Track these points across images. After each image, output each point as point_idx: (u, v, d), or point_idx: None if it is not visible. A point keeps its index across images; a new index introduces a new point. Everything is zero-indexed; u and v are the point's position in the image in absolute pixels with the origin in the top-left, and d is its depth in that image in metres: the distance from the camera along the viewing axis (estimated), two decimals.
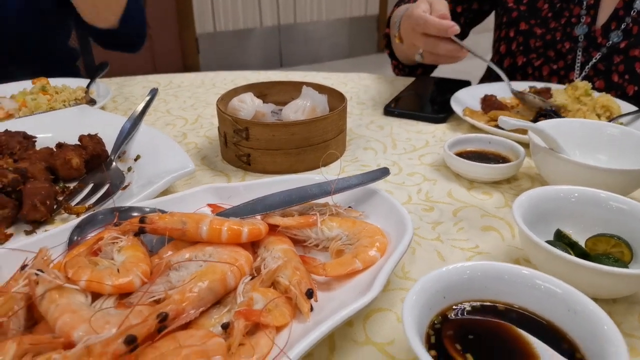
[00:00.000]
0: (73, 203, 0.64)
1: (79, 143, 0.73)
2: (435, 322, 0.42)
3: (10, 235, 0.59)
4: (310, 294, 0.45)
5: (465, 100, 0.97)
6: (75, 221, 0.52)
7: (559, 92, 0.92)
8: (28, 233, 0.59)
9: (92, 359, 0.34)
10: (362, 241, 0.52)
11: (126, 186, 0.68)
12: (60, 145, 0.71)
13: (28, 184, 0.61)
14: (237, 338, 0.39)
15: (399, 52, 1.17)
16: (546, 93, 0.90)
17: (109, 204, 0.60)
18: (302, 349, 0.37)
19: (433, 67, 1.27)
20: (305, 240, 0.55)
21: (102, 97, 1.01)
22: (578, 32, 0.97)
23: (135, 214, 0.54)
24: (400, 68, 1.26)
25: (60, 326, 0.38)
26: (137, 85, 1.20)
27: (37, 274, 0.42)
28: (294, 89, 0.90)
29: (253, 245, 0.53)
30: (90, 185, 0.69)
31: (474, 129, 0.90)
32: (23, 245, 0.49)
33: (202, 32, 4.56)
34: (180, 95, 1.14)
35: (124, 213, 0.54)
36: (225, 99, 0.83)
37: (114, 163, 0.73)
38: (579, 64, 0.97)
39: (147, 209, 0.55)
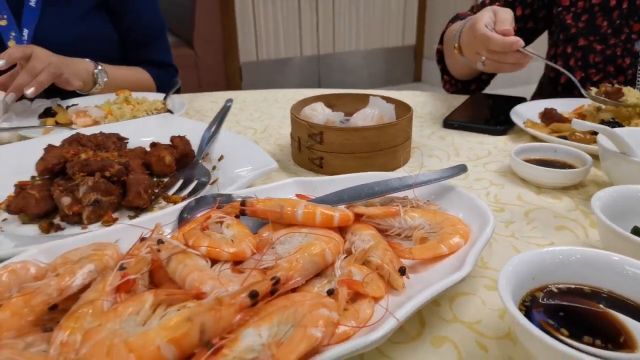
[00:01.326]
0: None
1: (170, 143, 0.79)
2: (525, 300, 0.44)
3: (116, 219, 0.65)
4: (403, 271, 0.49)
5: (524, 115, 1.00)
6: (182, 204, 0.58)
7: (631, 91, 0.92)
8: (131, 218, 0.65)
9: (223, 307, 0.39)
10: (445, 229, 0.55)
11: (214, 181, 0.74)
12: (154, 145, 0.78)
13: (130, 175, 0.68)
14: (343, 302, 0.43)
15: (454, 66, 1.21)
16: (617, 94, 0.91)
17: (205, 193, 0.66)
18: (407, 310, 0.41)
19: (486, 82, 1.30)
20: (387, 229, 0.59)
21: (177, 109, 1.09)
22: (638, 48, 0.99)
23: (234, 199, 0.59)
24: (452, 84, 1.30)
25: (191, 281, 0.42)
26: (205, 100, 1.28)
27: (159, 242, 0.48)
28: (359, 100, 0.95)
29: (340, 231, 0.57)
30: (181, 181, 0.75)
31: (535, 140, 0.92)
32: (139, 222, 0.54)
33: (246, 61, 4.75)
34: (246, 109, 1.21)
35: (224, 199, 0.59)
36: (297, 107, 0.89)
37: (200, 162, 0.79)
38: (639, 79, 0.99)
39: (244, 196, 0.60)
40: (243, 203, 0.56)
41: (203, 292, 0.41)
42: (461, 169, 0.63)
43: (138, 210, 0.67)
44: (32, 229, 0.63)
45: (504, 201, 0.72)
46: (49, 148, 0.74)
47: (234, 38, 4.56)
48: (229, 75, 4.69)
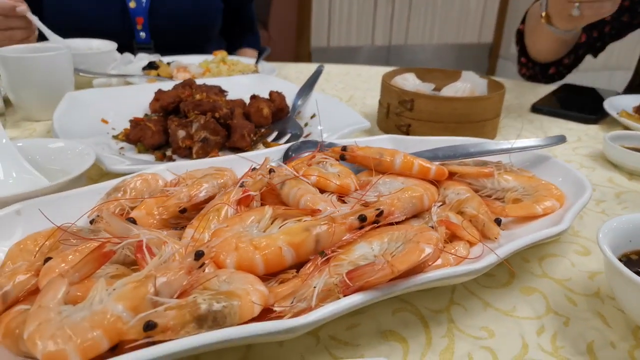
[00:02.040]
0: None
1: (267, 98, 0.85)
2: (621, 259, 0.45)
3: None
4: (498, 222, 0.50)
5: (617, 106, 0.97)
6: (287, 144, 0.62)
7: None
8: None
9: (335, 224, 0.43)
10: (539, 192, 0.56)
11: (307, 135, 0.78)
12: (254, 97, 0.83)
13: (235, 120, 0.73)
14: (442, 237, 0.45)
15: (536, 43, 1.15)
16: None
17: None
18: (508, 249, 0.42)
19: (567, 68, 1.23)
20: (479, 189, 0.60)
21: (267, 73, 1.14)
22: None
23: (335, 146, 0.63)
24: (530, 67, 1.24)
25: (305, 202, 0.46)
26: (291, 70, 1.34)
27: (271, 172, 0.52)
28: (449, 76, 0.96)
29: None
30: (276, 132, 0.80)
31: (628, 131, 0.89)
32: (250, 155, 0.59)
33: (316, 46, 4.80)
34: (330, 80, 1.25)
35: (326, 144, 0.63)
36: (389, 75, 0.91)
37: (293, 117, 0.84)
38: None
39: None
40: (344, 148, 0.59)
41: (317, 210, 0.44)
42: (560, 138, 0.63)
43: (240, 151, 0.72)
44: (147, 157, 0.70)
45: (595, 182, 0.71)
46: (161, 92, 0.81)
47: (307, 22, 4.62)
48: (299, 59, 4.76)
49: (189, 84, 0.80)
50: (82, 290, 0.36)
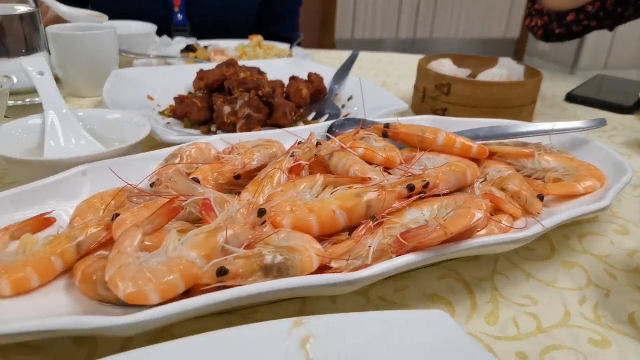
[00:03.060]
0: None
1: (306, 79, 0.86)
2: None
3: None
4: (541, 198, 0.52)
5: None
6: (330, 122, 0.64)
7: None
8: None
9: (385, 192, 0.44)
10: (580, 172, 0.57)
11: (346, 115, 0.80)
12: (293, 78, 0.85)
13: (276, 99, 0.75)
14: (488, 209, 0.47)
15: None
16: None
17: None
18: (554, 221, 0.44)
19: (590, 18, 1.06)
20: (520, 169, 0.61)
21: (301, 58, 1.16)
22: None
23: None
24: (542, 17, 1.11)
25: (355, 171, 0.48)
26: (323, 57, 1.35)
27: (318, 144, 0.54)
28: (484, 63, 0.97)
29: None
30: (314, 113, 0.82)
31: None
32: (295, 131, 0.62)
33: (341, 38, 4.79)
34: (363, 67, 1.26)
35: (369, 122, 0.65)
36: (425, 60, 0.92)
37: (331, 99, 0.86)
38: None
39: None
40: (387, 125, 0.61)
41: (367, 179, 0.46)
42: (600, 122, 0.63)
43: (281, 129, 0.74)
44: (194, 132, 0.73)
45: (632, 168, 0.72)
46: (203, 71, 0.84)
47: (332, 14, 4.62)
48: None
49: (232, 63, 0.83)
50: (154, 242, 0.38)
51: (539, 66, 1.24)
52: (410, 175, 0.51)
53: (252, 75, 0.75)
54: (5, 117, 0.76)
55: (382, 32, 4.92)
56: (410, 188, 0.45)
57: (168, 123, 0.76)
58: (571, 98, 1.02)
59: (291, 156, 0.51)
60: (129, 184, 0.46)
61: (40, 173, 0.49)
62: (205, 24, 1.30)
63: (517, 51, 5.01)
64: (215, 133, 0.73)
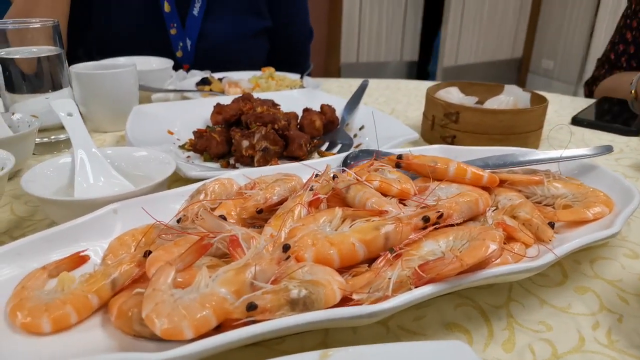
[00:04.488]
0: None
1: (319, 110, 0.90)
2: None
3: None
4: (552, 225, 0.53)
5: None
6: (344, 154, 0.67)
7: None
8: None
9: (402, 224, 0.46)
10: (589, 199, 0.59)
11: (358, 145, 0.82)
12: (306, 110, 0.88)
13: (291, 131, 0.78)
14: (501, 240, 0.49)
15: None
16: None
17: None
18: (566, 248, 0.46)
19: None
20: (529, 196, 0.63)
21: (312, 88, 1.20)
22: None
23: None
24: None
25: (371, 204, 0.51)
26: (332, 85, 1.39)
27: (334, 177, 0.57)
28: (490, 90, 1.00)
29: None
30: (327, 143, 0.85)
31: None
32: (311, 163, 0.64)
33: (345, 62, 4.88)
34: (371, 94, 1.29)
35: (382, 153, 0.67)
36: (433, 89, 0.95)
37: (343, 129, 0.89)
38: None
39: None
40: (400, 156, 0.63)
41: (384, 211, 0.49)
42: (607, 148, 0.65)
43: (297, 160, 0.77)
44: (213, 165, 0.76)
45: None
46: (220, 105, 0.88)
47: (337, 38, 4.71)
48: (329, 74, 4.84)
49: (248, 97, 0.86)
50: (185, 277, 0.41)
51: (544, 84, 1.27)
52: (424, 207, 0.53)
53: (268, 109, 0.79)
54: (33, 154, 0.80)
55: (386, 55, 5.00)
56: (425, 219, 0.48)
57: (188, 157, 0.79)
58: (577, 121, 1.04)
59: (310, 190, 0.54)
60: (158, 221, 0.49)
61: (72, 211, 0.52)
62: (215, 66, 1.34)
63: (521, 69, 5.05)
64: (234, 166, 0.75)
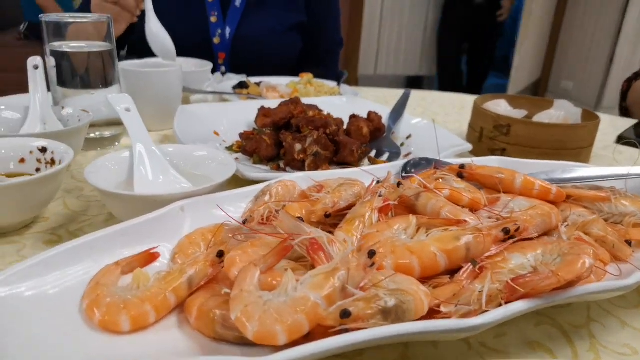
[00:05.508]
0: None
1: (366, 117, 0.88)
2: None
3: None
4: (629, 243, 0.51)
5: None
6: (402, 161, 0.65)
7: None
8: None
9: (481, 234, 0.45)
10: None
11: (407, 154, 0.81)
12: (354, 116, 0.87)
13: (341, 137, 0.77)
14: (596, 257, 0.47)
15: None
16: None
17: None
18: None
19: None
20: (595, 213, 0.61)
21: (349, 95, 1.19)
22: None
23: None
24: None
25: (446, 213, 0.49)
26: (369, 94, 1.38)
27: (399, 184, 0.55)
28: (537, 104, 0.98)
29: None
30: (374, 151, 0.83)
31: None
32: (371, 169, 0.63)
33: (363, 74, 4.88)
34: (409, 105, 1.28)
35: (443, 163, 0.65)
36: (481, 101, 0.94)
37: (389, 137, 0.87)
38: None
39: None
40: (462, 166, 0.62)
41: (463, 221, 0.47)
42: None
43: (347, 166, 0.75)
44: (263, 167, 0.75)
45: None
46: (265, 108, 0.87)
47: (356, 50, 4.72)
48: None
49: (296, 101, 0.85)
50: (267, 280, 0.39)
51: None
52: (497, 217, 0.51)
53: (319, 114, 0.77)
54: (82, 149, 0.79)
55: (404, 68, 5.01)
56: (506, 232, 0.46)
57: (236, 158, 0.78)
58: (623, 139, 1.02)
59: (380, 195, 0.52)
60: (229, 219, 0.47)
61: (135, 207, 0.51)
62: (247, 70, 1.34)
63: (539, 91, 5.03)
64: (284, 169, 0.74)
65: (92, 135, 0.83)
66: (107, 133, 0.84)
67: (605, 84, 4.27)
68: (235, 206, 0.53)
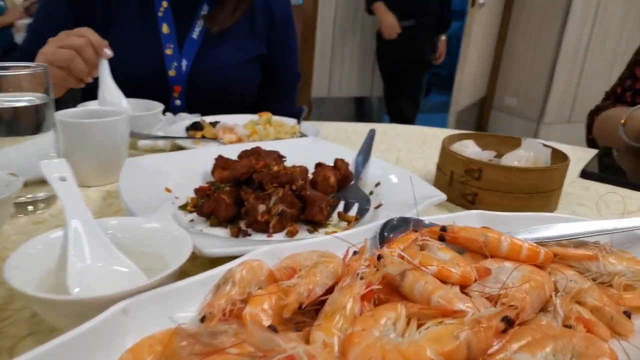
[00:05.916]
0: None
1: (331, 165, 0.83)
2: None
3: (297, 230, 0.67)
4: (628, 315, 0.48)
5: None
6: (379, 222, 0.60)
7: None
8: (311, 232, 0.68)
9: (482, 327, 0.39)
10: None
11: (379, 205, 0.75)
12: (319, 165, 0.81)
13: (308, 192, 0.71)
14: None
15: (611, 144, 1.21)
16: None
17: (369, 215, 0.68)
18: None
19: None
20: (582, 272, 0.58)
21: (311, 134, 1.13)
22: None
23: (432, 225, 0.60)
24: None
25: (438, 299, 0.43)
26: (329, 129, 1.33)
27: (379, 258, 0.49)
28: (503, 142, 0.96)
29: None
30: (343, 202, 0.77)
31: None
32: (345, 235, 0.56)
33: (316, 96, 4.89)
34: None
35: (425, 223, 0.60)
36: (449, 142, 0.90)
37: (357, 185, 0.82)
38: None
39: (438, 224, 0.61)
40: (444, 228, 0.57)
41: (461, 311, 0.41)
42: None
43: (315, 224, 0.69)
44: (221, 232, 0.67)
45: None
46: (223, 159, 0.79)
47: (309, 72, 4.72)
48: None
49: (258, 152, 0.78)
50: None
51: (507, 121, 1.28)
52: (488, 297, 0.46)
53: (285, 168, 0.71)
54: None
55: (357, 90, 5.06)
56: (507, 321, 0.41)
57: (191, 220, 0.70)
58: (586, 174, 1.02)
59: (360, 279, 0.46)
60: (179, 325, 0.40)
61: (65, 312, 0.42)
62: (203, 105, 1.27)
63: (484, 107, 5.19)
64: (246, 232, 0.67)
65: (22, 198, 0.72)
66: (40, 194, 0.74)
67: (547, 100, 4.47)
68: (191, 298, 0.45)
